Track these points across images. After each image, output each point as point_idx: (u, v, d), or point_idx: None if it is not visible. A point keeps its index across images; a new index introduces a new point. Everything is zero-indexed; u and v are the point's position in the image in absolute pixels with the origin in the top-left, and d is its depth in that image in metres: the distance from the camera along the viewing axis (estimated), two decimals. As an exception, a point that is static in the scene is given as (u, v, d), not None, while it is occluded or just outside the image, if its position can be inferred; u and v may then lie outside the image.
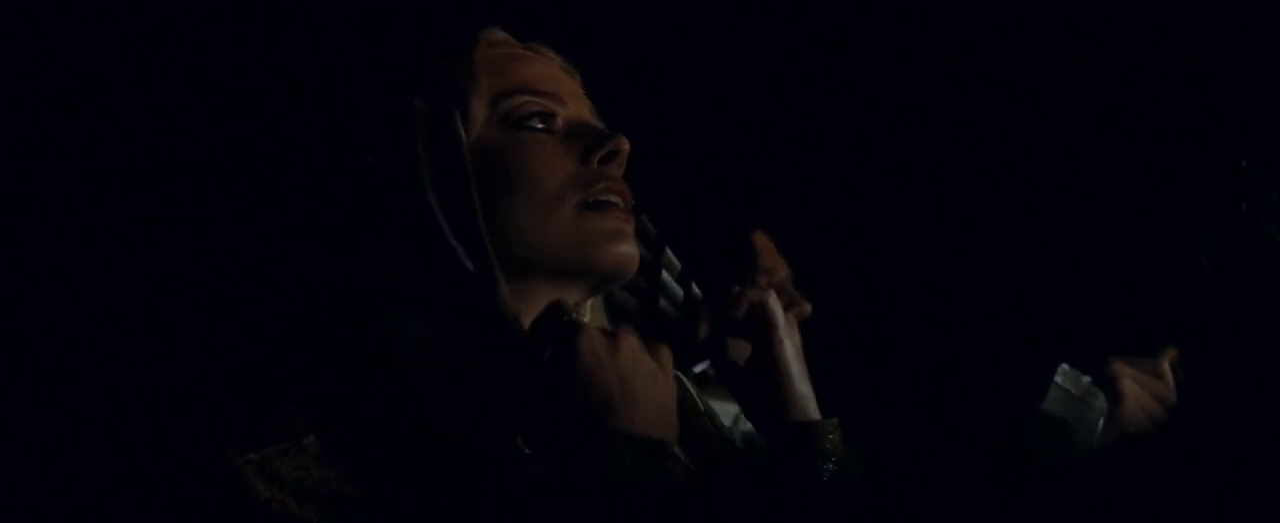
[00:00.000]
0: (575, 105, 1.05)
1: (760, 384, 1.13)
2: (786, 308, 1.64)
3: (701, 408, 1.14)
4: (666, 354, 0.97)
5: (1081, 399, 1.26)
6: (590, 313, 1.09)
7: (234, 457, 0.87)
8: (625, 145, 1.02)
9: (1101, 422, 1.25)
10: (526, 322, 0.97)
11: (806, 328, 1.66)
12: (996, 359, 2.05)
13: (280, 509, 0.86)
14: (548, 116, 1.02)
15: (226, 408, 0.92)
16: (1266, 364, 1.16)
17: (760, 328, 1.13)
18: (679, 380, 1.11)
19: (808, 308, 1.66)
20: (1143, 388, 1.27)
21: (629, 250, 1.02)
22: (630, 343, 0.94)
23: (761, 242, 1.72)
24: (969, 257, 2.18)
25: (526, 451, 0.91)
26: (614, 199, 1.01)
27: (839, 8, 2.13)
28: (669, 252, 1.19)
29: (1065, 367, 1.27)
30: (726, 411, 1.58)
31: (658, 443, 0.91)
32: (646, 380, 0.94)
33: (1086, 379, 1.27)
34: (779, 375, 1.13)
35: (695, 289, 1.21)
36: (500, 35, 1.07)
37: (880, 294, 2.20)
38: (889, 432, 1.70)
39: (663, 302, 1.22)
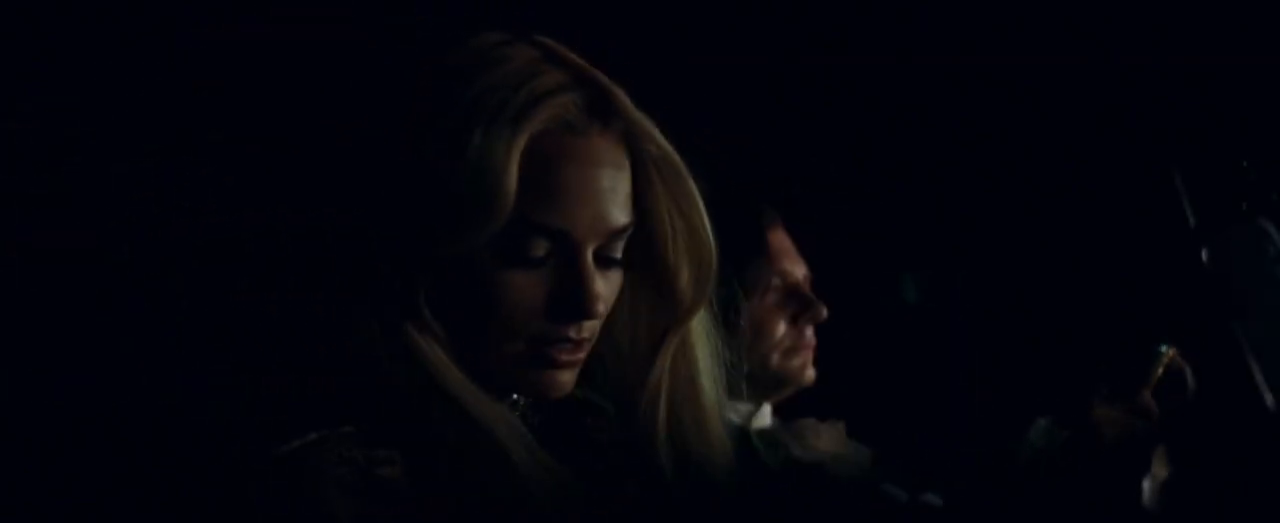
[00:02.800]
0: (589, 232, 0.97)
1: None
2: (803, 311, 1.63)
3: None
4: None
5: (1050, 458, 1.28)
6: None
7: (273, 449, 0.86)
8: (595, 315, 0.98)
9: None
10: None
11: (821, 328, 1.66)
12: (997, 359, 2.05)
13: (319, 499, 0.86)
14: (546, 247, 0.96)
15: (263, 403, 0.92)
16: (1266, 364, 1.15)
17: None
18: None
19: (824, 313, 1.64)
20: (1124, 433, 1.27)
21: (562, 385, 1.00)
22: None
23: (779, 240, 1.67)
24: (968, 257, 2.18)
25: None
26: (564, 358, 0.98)
27: (843, 6, 2.14)
28: None
29: (1042, 423, 1.28)
30: (737, 409, 1.58)
31: None
32: None
33: (1063, 434, 1.28)
34: None
35: None
36: (566, 111, 0.96)
37: (880, 295, 2.20)
38: (893, 433, 1.70)
39: None
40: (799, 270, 1.68)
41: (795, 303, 1.64)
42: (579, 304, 0.96)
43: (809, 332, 1.65)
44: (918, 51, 2.16)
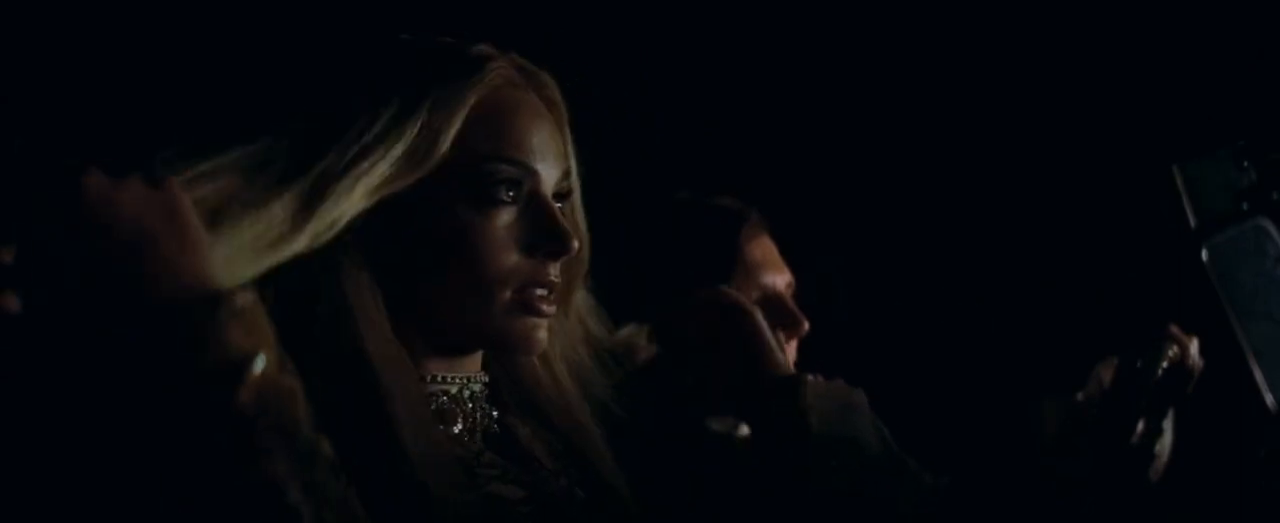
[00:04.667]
0: (548, 173, 1.07)
1: (740, 356, 1.21)
2: (782, 325, 1.57)
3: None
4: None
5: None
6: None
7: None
8: (574, 249, 1.06)
9: None
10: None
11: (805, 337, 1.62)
12: (996, 361, 2.05)
13: None
14: (514, 185, 1.04)
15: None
16: (1266, 364, 1.15)
17: (731, 314, 1.23)
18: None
19: (804, 327, 1.59)
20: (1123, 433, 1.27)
21: (540, 341, 1.07)
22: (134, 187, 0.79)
23: (760, 251, 1.61)
24: (967, 257, 2.18)
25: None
26: (545, 307, 1.05)
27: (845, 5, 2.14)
28: None
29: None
30: (721, 420, 1.55)
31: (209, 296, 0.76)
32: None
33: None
34: (759, 342, 1.21)
35: None
36: (507, 73, 1.06)
37: (880, 297, 2.20)
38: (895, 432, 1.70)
39: None
40: (780, 280, 1.62)
41: (774, 316, 1.53)
42: (553, 235, 1.04)
43: (789, 347, 1.59)
44: (920, 52, 2.16)
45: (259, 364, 0.75)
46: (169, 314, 0.75)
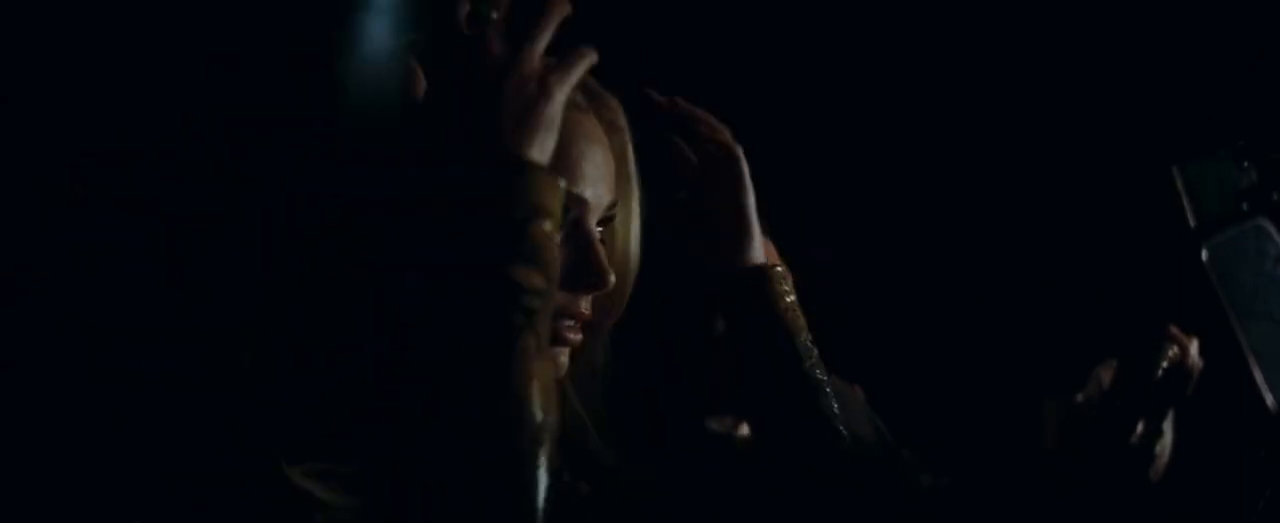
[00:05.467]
0: (596, 201, 1.04)
1: (719, 231, 1.18)
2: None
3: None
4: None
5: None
6: None
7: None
8: (609, 286, 1.03)
9: None
10: None
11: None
12: (995, 360, 2.05)
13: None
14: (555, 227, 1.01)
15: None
16: (1266, 364, 1.15)
17: (726, 176, 1.20)
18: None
19: None
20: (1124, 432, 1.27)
21: (562, 366, 1.04)
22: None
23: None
24: (967, 257, 2.18)
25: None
26: (571, 337, 1.03)
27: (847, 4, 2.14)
28: None
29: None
30: (720, 420, 1.55)
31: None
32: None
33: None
34: (744, 222, 1.18)
35: None
36: (572, 93, 1.03)
37: (879, 296, 2.20)
38: (896, 431, 1.70)
39: None
40: None
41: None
42: (590, 271, 1.01)
43: None
44: (919, 52, 2.16)
45: (550, 222, 0.88)
46: (508, 164, 0.87)
